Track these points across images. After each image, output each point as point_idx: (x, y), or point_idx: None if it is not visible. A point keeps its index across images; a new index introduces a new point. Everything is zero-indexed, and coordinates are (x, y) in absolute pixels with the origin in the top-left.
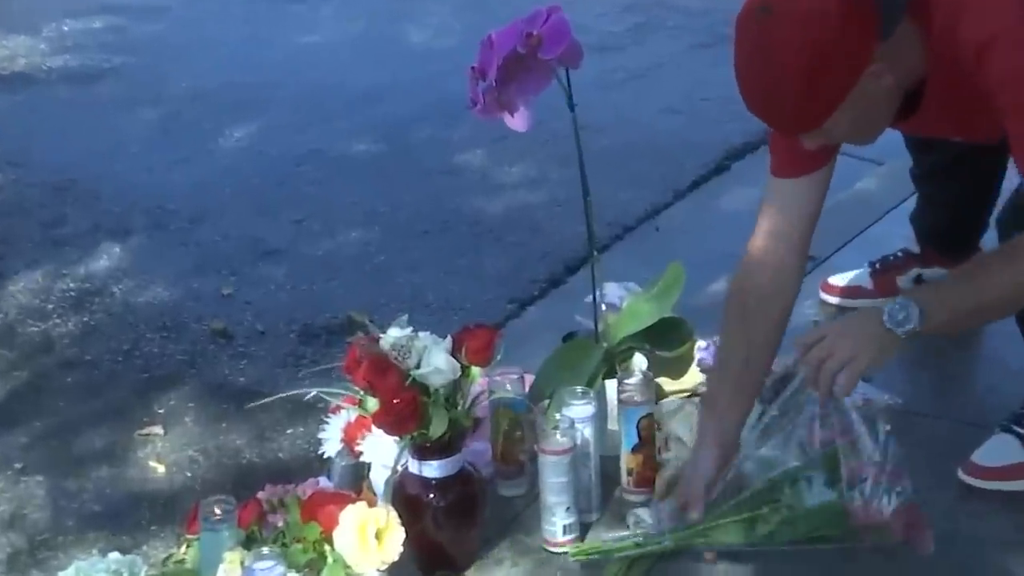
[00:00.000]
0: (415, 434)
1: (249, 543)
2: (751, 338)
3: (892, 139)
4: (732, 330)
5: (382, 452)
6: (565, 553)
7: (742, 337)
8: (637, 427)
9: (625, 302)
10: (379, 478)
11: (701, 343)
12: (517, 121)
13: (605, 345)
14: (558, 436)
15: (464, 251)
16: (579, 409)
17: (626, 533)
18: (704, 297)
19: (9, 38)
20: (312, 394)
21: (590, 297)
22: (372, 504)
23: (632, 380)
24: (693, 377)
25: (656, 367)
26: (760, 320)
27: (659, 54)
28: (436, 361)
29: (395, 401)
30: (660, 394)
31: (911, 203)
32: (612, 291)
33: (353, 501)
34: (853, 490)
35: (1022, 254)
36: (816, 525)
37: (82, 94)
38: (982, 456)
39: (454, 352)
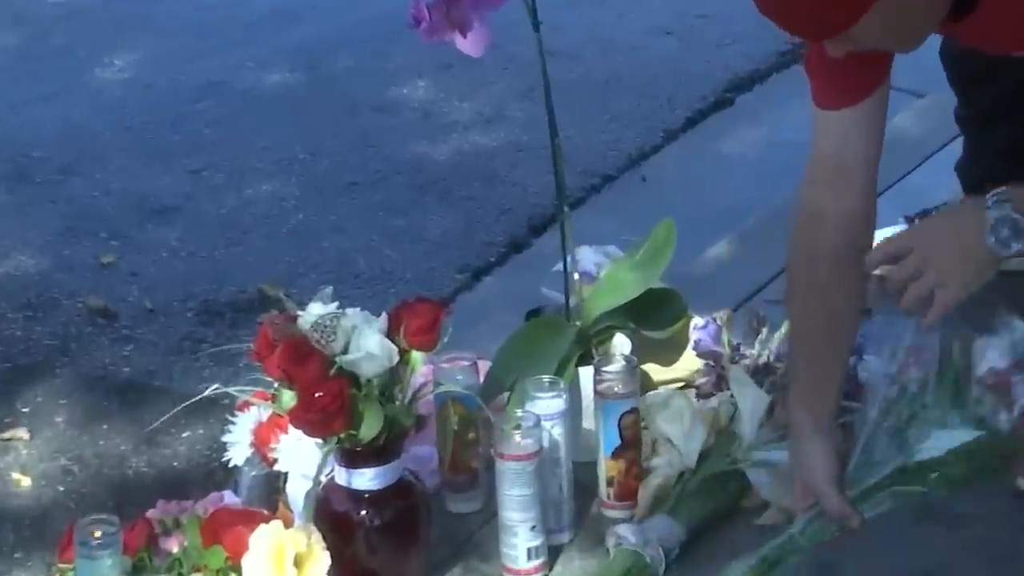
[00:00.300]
0: (342, 436)
1: (137, 573)
2: (830, 306)
3: (936, 65)
4: (805, 300)
5: (301, 459)
6: None
7: (819, 307)
8: (619, 426)
9: (603, 270)
10: (298, 491)
11: (698, 320)
12: (470, 43)
13: (578, 324)
14: (520, 438)
15: (403, 208)
16: (546, 404)
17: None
18: (702, 264)
19: None
20: (214, 388)
21: (559, 265)
22: (289, 524)
23: (612, 367)
24: (688, 363)
25: (642, 351)
26: (837, 282)
27: None
28: (368, 344)
29: (317, 395)
30: (647, 385)
31: (957, 148)
32: (587, 257)
33: (266, 520)
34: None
35: None
36: (975, 464)
37: None
38: None
39: (390, 333)
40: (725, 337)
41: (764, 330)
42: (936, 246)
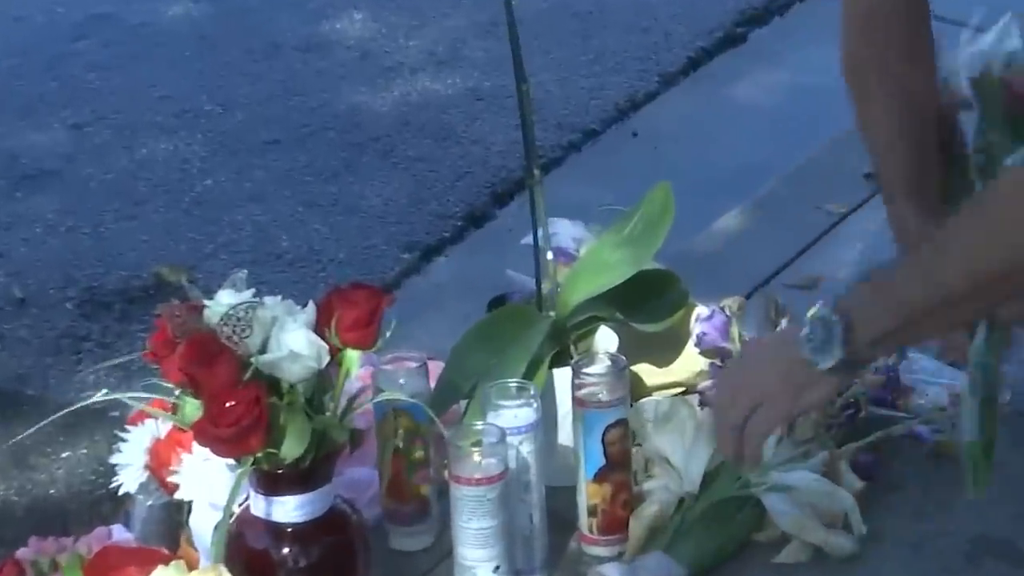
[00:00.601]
0: (260, 455)
1: None
2: (904, 102)
3: None
4: (875, 108)
5: (209, 485)
6: None
7: (893, 112)
8: (603, 441)
9: (584, 247)
10: (205, 524)
11: (702, 310)
12: None
13: (553, 315)
14: (480, 457)
15: (335, 172)
16: (514, 414)
17: None
18: (707, 239)
19: None
20: (100, 395)
21: (528, 237)
22: (195, 565)
23: (595, 369)
24: (689, 364)
25: (632, 348)
26: (907, 79)
27: None
28: (291, 341)
29: (228, 404)
30: (639, 390)
31: None
32: (564, 231)
33: (165, 561)
34: None
35: (994, 207)
36: None
37: None
38: None
39: (319, 327)
40: (735, 331)
41: (784, 321)
42: (750, 370)
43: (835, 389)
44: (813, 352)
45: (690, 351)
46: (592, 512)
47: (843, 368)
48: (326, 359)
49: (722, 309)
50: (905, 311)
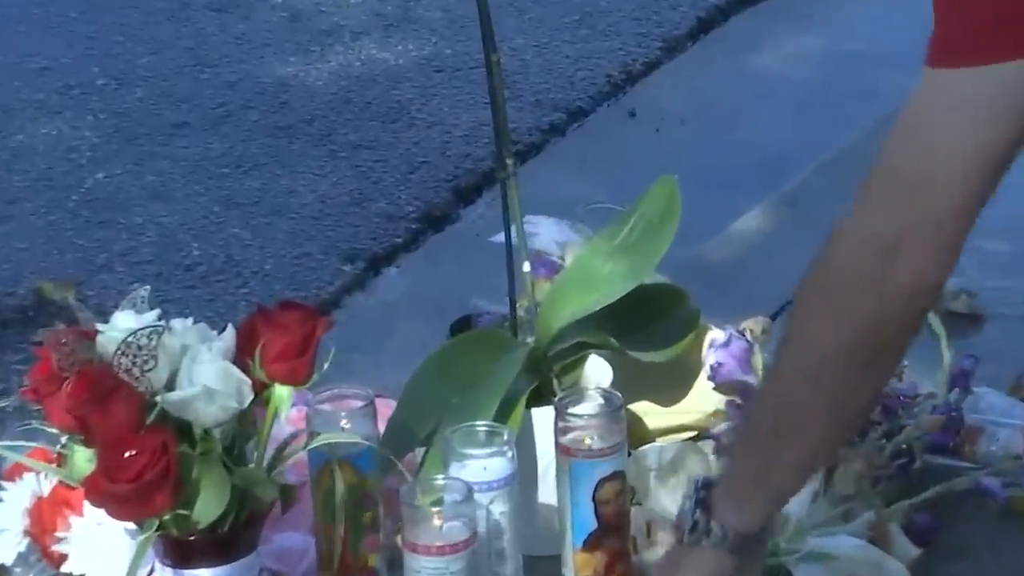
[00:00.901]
0: (167, 518)
1: None
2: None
3: None
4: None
5: (104, 554)
6: None
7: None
8: (594, 499)
9: (569, 256)
10: None
11: (716, 334)
12: None
13: (531, 341)
14: (441, 520)
15: (259, 162)
16: (483, 466)
17: None
18: (723, 245)
19: None
20: None
21: (500, 236)
22: None
23: (584, 408)
24: (701, 401)
25: (631, 382)
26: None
27: None
28: (206, 376)
29: (128, 454)
30: (638, 435)
31: None
32: (545, 234)
33: None
34: None
35: (804, 340)
36: None
37: None
38: None
39: (240, 357)
40: (758, 360)
41: None
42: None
43: (724, 566)
44: (686, 525)
45: (702, 385)
46: None
47: (719, 542)
48: (249, 397)
49: (741, 333)
50: (746, 482)
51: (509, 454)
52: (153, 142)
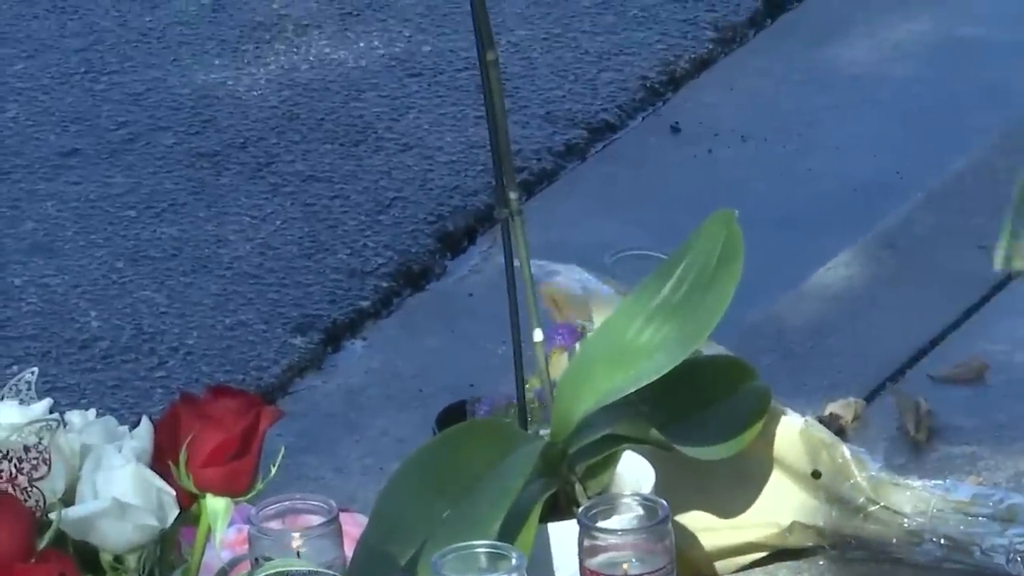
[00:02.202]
0: None
1: None
2: None
3: None
4: None
5: None
6: None
7: None
8: None
9: (596, 316)
10: None
11: (793, 420)
12: None
13: (544, 434)
14: None
15: (177, 201)
16: None
17: None
18: (798, 303)
19: None
20: None
21: (505, 270)
22: None
23: (618, 522)
24: (776, 511)
25: (680, 487)
26: None
27: None
28: (114, 485)
29: None
30: (693, 559)
31: None
32: (564, 283)
33: None
34: None
35: None
36: None
37: None
38: None
39: (159, 461)
40: (848, 456)
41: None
42: None
43: None
44: None
45: (776, 489)
46: None
47: None
48: (174, 513)
49: (828, 418)
50: None
51: None
52: (33, 177)
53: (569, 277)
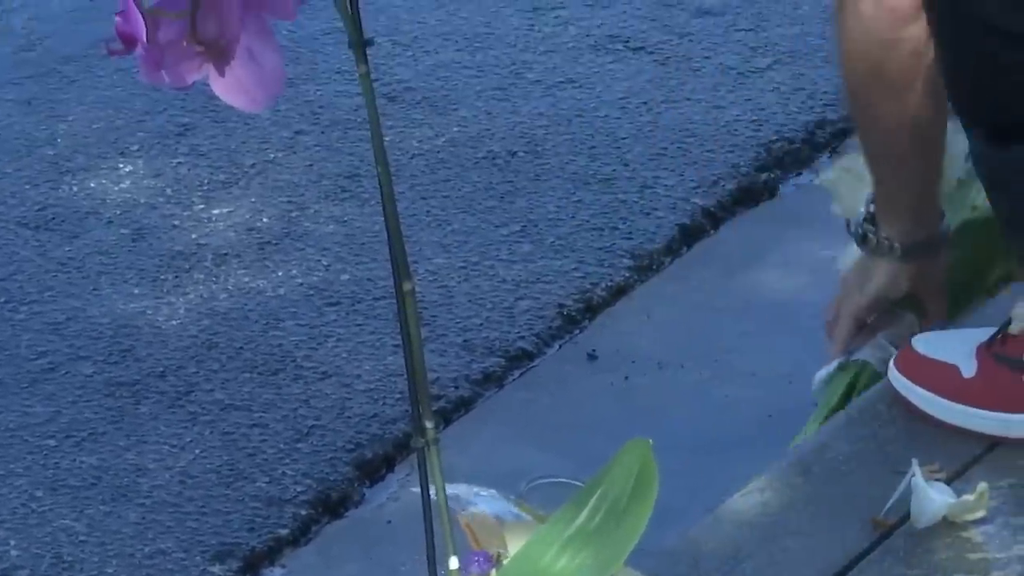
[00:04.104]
0: None
1: None
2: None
3: None
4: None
5: None
6: None
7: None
8: None
9: (511, 544)
10: None
11: None
12: (245, 82)
13: None
14: None
15: (95, 427)
16: None
17: None
18: (714, 529)
19: None
20: None
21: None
22: None
23: None
24: None
25: None
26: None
27: None
28: None
29: None
30: None
31: None
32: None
33: None
34: None
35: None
36: None
37: None
38: None
39: None
40: None
41: None
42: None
43: (897, 275)
44: (856, 235)
45: None
46: None
47: (888, 252)
48: None
49: None
50: (871, 167)
51: None
52: None
53: (486, 505)
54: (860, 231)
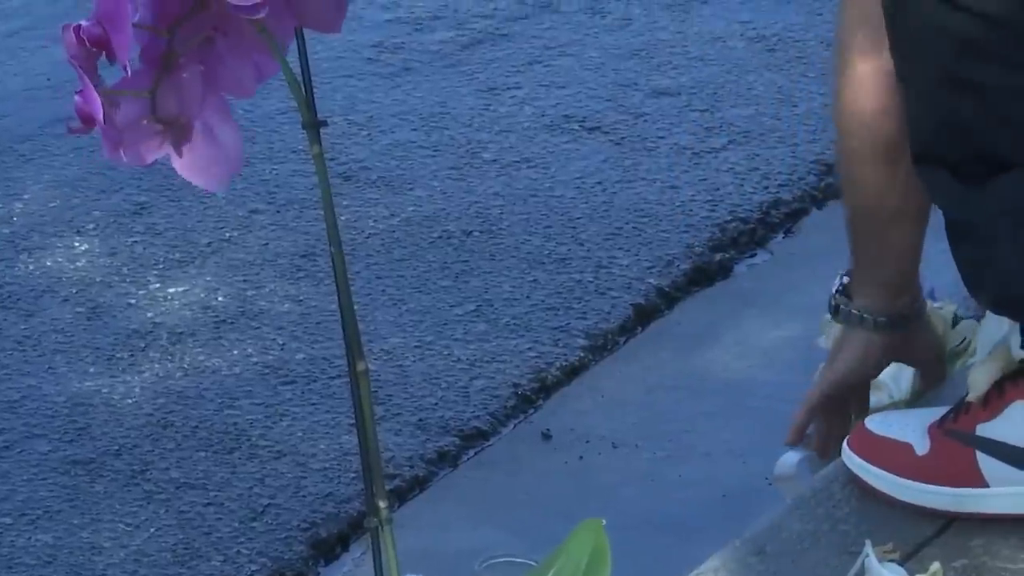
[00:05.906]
0: None
1: None
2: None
3: None
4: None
5: None
6: None
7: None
8: None
9: None
10: None
11: None
12: (205, 160)
13: None
14: None
15: (49, 505)
16: None
17: None
18: None
19: None
20: None
21: None
22: None
23: None
24: None
25: None
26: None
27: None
28: None
29: None
30: None
31: None
32: None
33: None
34: None
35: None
36: None
37: None
38: None
39: None
40: None
41: None
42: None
43: (868, 348)
44: (833, 308)
45: None
46: None
47: (859, 323)
48: None
49: None
50: (851, 235)
51: None
52: None
53: None
54: (832, 303)
